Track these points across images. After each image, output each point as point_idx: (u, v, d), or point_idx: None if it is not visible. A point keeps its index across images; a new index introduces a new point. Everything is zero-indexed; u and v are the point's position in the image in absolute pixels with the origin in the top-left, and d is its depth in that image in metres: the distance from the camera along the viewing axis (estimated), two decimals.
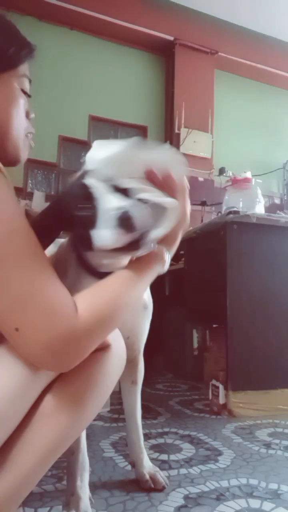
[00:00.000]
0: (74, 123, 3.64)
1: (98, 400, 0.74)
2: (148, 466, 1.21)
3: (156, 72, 4.09)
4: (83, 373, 0.70)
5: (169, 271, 1.05)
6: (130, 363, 1.19)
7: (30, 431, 0.66)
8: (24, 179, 3.54)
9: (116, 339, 0.78)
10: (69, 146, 3.65)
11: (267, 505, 1.08)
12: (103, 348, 0.74)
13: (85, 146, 3.74)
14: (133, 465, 1.24)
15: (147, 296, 1.08)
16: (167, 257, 0.78)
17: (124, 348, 0.80)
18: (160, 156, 0.76)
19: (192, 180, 3.62)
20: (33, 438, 0.65)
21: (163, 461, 1.39)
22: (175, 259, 2.72)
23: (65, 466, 1.14)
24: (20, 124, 0.81)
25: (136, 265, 0.76)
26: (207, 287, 2.32)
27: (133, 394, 1.22)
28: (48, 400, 0.68)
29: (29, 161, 3.52)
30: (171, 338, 2.88)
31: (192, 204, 3.02)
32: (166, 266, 0.78)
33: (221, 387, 2.03)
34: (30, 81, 0.85)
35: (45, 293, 0.60)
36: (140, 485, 1.18)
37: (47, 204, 0.87)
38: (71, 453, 1.02)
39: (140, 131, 3.93)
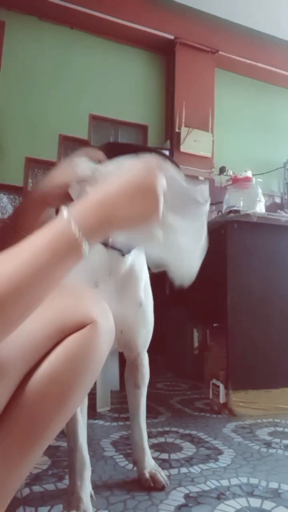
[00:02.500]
0: (75, 122, 3.61)
1: (86, 383, 0.68)
2: (149, 466, 1.21)
3: (156, 71, 4.07)
4: (66, 356, 0.65)
5: None
6: (131, 365, 1.18)
7: (11, 424, 0.61)
8: (24, 178, 3.53)
9: (102, 313, 0.71)
10: (69, 145, 3.62)
11: (268, 504, 1.08)
12: (87, 324, 0.67)
13: (86, 145, 3.66)
14: (135, 464, 1.23)
15: (142, 294, 1.05)
16: (80, 237, 0.53)
17: (113, 323, 0.73)
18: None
19: (193, 179, 3.55)
20: (15, 431, 0.61)
21: (164, 460, 1.38)
22: None
23: (66, 465, 1.13)
24: None
25: (33, 248, 0.52)
26: (207, 286, 2.24)
27: (136, 397, 1.20)
28: (30, 388, 0.62)
29: (30, 160, 3.50)
30: (171, 337, 2.85)
31: None
32: (83, 251, 0.54)
33: (221, 386, 2.02)
34: None
35: None
36: (140, 484, 1.17)
37: None
38: (70, 451, 1.01)
39: (141, 130, 3.91)
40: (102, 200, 0.56)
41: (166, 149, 3.59)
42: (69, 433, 1.01)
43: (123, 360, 1.20)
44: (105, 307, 0.73)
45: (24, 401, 0.62)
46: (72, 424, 0.99)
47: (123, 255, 0.95)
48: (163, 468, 1.26)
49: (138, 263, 1.02)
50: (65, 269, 0.54)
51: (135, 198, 0.57)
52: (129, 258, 0.97)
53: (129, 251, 0.94)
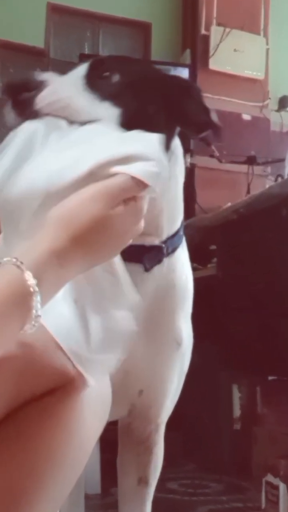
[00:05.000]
0: (23, 21, 2.93)
1: (64, 478, 0.58)
2: None
3: None
4: (18, 439, 0.54)
5: None
6: (141, 445, 0.92)
7: None
8: None
9: None
10: (12, 58, 2.94)
11: None
12: (60, 386, 0.56)
13: (40, 58, 3.04)
14: None
15: (183, 324, 0.84)
16: (38, 298, 0.48)
17: (107, 382, 0.63)
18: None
19: (232, 119, 3.00)
20: None
21: None
22: (201, 261, 2.20)
23: None
24: None
25: None
26: (258, 310, 1.89)
27: (139, 500, 0.93)
28: None
29: None
30: (193, 400, 2.20)
31: (231, 162, 2.85)
32: (35, 318, 0.49)
33: (282, 486, 1.60)
34: None
35: None
36: None
37: None
38: None
39: (139, 32, 3.25)
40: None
41: (184, 65, 2.97)
42: None
43: (106, 439, 0.88)
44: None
45: None
46: None
47: (146, 269, 0.76)
48: None
49: (180, 273, 0.82)
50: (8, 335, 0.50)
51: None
52: (165, 268, 0.79)
53: (159, 261, 0.78)
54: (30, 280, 0.47)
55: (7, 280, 0.47)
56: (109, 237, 0.55)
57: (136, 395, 0.84)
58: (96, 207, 0.53)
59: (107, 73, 0.74)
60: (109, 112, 0.70)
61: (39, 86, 0.68)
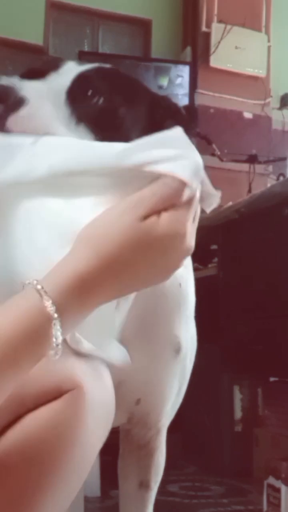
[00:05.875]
0: (21, 18, 2.89)
1: (67, 487, 0.57)
2: None
3: None
4: (22, 447, 0.53)
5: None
6: (141, 450, 0.94)
7: None
8: None
9: (93, 372, 0.57)
10: (11, 57, 2.90)
11: None
12: (65, 392, 0.53)
13: (39, 55, 3.03)
14: None
15: (183, 331, 0.83)
16: (58, 327, 0.46)
17: (111, 389, 0.60)
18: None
19: (233, 117, 2.97)
20: None
21: None
22: (202, 261, 2.22)
23: None
24: None
25: None
26: (260, 310, 1.91)
27: (140, 505, 0.95)
28: None
29: None
30: (194, 400, 2.21)
31: (232, 161, 2.88)
32: (56, 346, 0.48)
33: (284, 489, 1.63)
34: None
35: None
36: None
37: None
38: None
39: (139, 29, 3.18)
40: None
41: (184, 62, 2.93)
42: None
43: (105, 442, 0.76)
44: (98, 363, 0.61)
45: None
46: None
47: None
48: None
49: (170, 281, 0.72)
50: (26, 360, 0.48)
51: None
52: None
53: None
54: (49, 307, 0.45)
55: (28, 307, 0.46)
56: (145, 259, 0.47)
57: (133, 404, 0.84)
58: (123, 219, 0.46)
59: (90, 92, 0.69)
60: (83, 137, 0.66)
61: (16, 102, 0.62)
